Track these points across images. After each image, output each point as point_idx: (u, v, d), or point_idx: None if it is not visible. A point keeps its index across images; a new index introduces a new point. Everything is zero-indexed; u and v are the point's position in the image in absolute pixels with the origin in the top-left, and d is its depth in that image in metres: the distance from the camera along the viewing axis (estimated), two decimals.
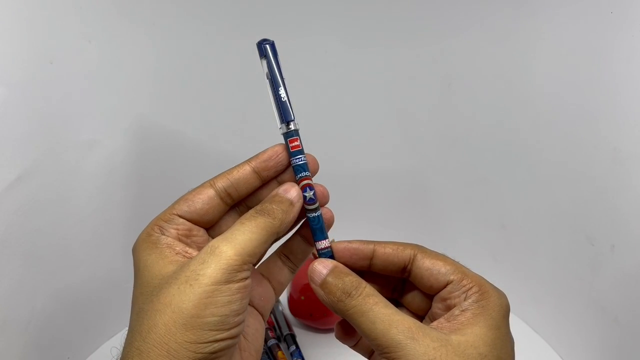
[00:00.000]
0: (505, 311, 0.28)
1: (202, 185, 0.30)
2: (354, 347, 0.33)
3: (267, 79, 0.30)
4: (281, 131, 0.30)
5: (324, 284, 0.29)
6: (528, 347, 0.50)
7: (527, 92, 0.46)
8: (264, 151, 0.30)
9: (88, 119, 0.43)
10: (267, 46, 0.29)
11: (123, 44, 0.45)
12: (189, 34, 0.48)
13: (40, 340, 0.43)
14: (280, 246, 0.34)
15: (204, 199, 0.29)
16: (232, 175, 0.30)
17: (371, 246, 0.30)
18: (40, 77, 0.39)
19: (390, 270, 0.30)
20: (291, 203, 0.29)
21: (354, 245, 0.30)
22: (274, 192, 0.30)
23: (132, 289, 0.28)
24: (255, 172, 0.30)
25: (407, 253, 0.30)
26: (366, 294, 0.27)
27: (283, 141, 0.30)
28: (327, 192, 0.31)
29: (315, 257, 0.31)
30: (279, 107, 0.30)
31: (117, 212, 0.48)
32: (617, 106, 0.38)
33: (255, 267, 0.33)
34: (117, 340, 0.51)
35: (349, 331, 0.32)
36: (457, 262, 0.30)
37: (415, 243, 0.31)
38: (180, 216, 0.29)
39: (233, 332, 0.25)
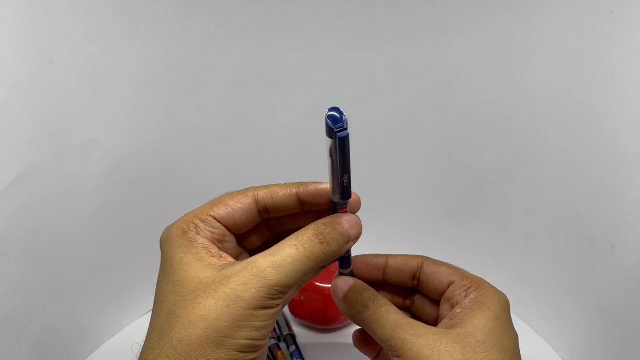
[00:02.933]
0: (504, 305, 0.29)
1: (244, 193, 0.29)
2: (376, 359, 0.35)
3: (332, 158, 0.27)
4: (335, 199, 0.29)
5: (345, 298, 0.31)
6: (528, 347, 0.50)
7: (527, 92, 0.46)
8: (315, 184, 0.30)
9: (88, 119, 0.43)
10: (344, 137, 0.26)
11: (123, 44, 0.45)
12: (189, 34, 0.48)
13: (40, 340, 0.43)
14: None
15: (244, 209, 0.29)
16: (277, 195, 0.29)
17: (383, 258, 0.33)
18: (40, 77, 0.39)
19: (401, 279, 0.33)
20: (349, 240, 0.29)
21: (368, 258, 0.33)
22: (337, 217, 0.29)
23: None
24: (299, 199, 0.30)
25: (416, 261, 0.33)
26: (380, 305, 0.30)
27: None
28: (359, 200, 0.32)
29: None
30: (342, 188, 0.28)
31: (117, 212, 0.48)
32: (617, 106, 0.38)
33: None
34: (117, 341, 0.51)
35: (366, 339, 0.34)
36: (460, 268, 0.32)
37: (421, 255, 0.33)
38: (217, 220, 0.28)
39: (260, 352, 0.26)
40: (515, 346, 0.29)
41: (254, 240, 0.32)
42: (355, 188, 0.30)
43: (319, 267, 0.28)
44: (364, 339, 0.34)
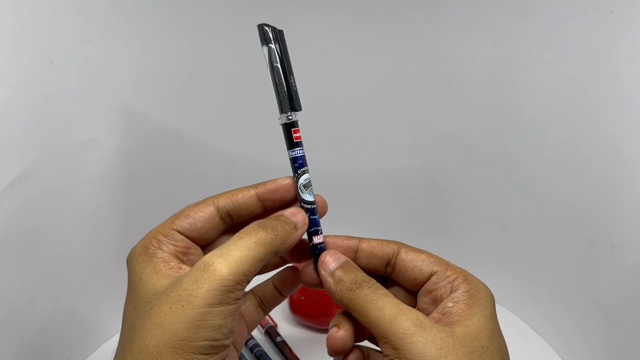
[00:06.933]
0: (493, 300, 0.28)
1: (204, 202, 0.29)
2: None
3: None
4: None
5: (333, 273, 0.29)
6: (528, 347, 0.50)
7: (527, 92, 0.46)
8: (272, 181, 0.30)
9: (88, 119, 0.43)
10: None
11: (123, 44, 0.45)
12: (189, 33, 0.48)
13: (40, 340, 0.43)
14: (256, 287, 0.34)
15: (205, 218, 0.29)
16: (236, 198, 0.29)
17: (356, 240, 0.31)
18: (40, 77, 0.39)
19: (373, 264, 0.30)
20: (295, 226, 0.29)
21: (339, 239, 0.31)
22: (279, 212, 0.29)
23: None
24: (260, 199, 0.30)
25: (391, 247, 0.30)
26: (377, 287, 0.28)
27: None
28: (325, 202, 0.31)
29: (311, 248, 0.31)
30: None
31: (116, 212, 0.48)
32: (617, 106, 0.38)
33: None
34: (117, 341, 0.51)
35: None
36: (439, 256, 0.30)
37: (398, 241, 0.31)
38: (180, 232, 0.28)
39: (222, 354, 0.25)
40: (507, 349, 0.28)
41: None
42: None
43: (271, 251, 0.27)
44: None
